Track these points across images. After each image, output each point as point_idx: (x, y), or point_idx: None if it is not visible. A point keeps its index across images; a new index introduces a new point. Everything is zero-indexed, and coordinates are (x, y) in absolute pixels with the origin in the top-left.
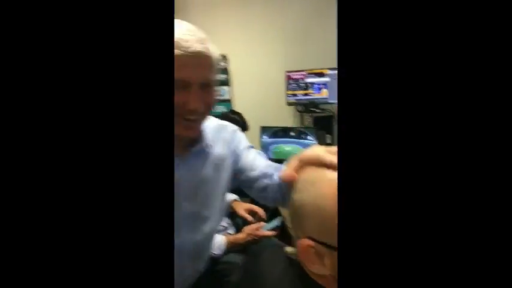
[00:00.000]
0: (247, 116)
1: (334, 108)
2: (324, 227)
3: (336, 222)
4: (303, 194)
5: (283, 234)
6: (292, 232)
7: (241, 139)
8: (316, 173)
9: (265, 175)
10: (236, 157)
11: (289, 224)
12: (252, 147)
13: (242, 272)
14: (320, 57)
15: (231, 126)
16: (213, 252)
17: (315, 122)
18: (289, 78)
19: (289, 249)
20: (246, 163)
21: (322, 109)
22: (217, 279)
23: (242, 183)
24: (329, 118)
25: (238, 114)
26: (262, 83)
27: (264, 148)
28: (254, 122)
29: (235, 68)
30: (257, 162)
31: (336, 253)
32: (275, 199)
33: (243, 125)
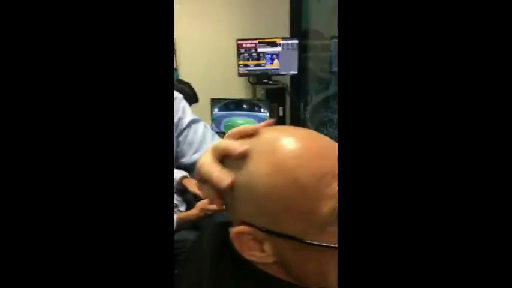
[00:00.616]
0: (196, 87)
1: (287, 80)
2: (259, 210)
3: (274, 203)
4: (234, 174)
5: None
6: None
7: (186, 110)
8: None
9: None
10: (179, 132)
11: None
12: (198, 120)
13: (188, 253)
14: (272, 26)
15: (175, 93)
16: None
17: (267, 94)
18: (240, 46)
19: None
20: (189, 142)
21: (275, 81)
22: None
23: (184, 167)
24: (282, 90)
25: (187, 84)
26: (212, 51)
27: (216, 122)
28: (204, 94)
29: (182, 34)
30: (203, 143)
31: (278, 239)
32: None
33: (193, 96)
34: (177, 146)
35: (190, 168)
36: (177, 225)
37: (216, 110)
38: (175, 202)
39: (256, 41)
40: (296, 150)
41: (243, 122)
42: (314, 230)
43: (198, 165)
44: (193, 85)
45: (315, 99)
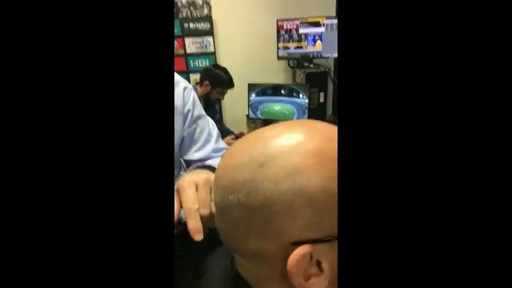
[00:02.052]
0: (232, 72)
1: (330, 63)
2: (317, 218)
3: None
4: (251, 192)
5: None
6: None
7: (196, 103)
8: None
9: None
10: (186, 125)
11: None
12: (205, 116)
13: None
14: (316, 4)
15: (184, 83)
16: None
17: (307, 78)
18: (280, 28)
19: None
20: (194, 140)
21: (317, 64)
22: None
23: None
24: (323, 74)
25: (223, 69)
26: (250, 33)
27: (253, 108)
28: (241, 78)
29: (219, 16)
30: (206, 142)
31: (335, 243)
32: None
33: (228, 82)
34: (181, 139)
35: (190, 164)
36: None
37: (253, 95)
38: None
39: (298, 21)
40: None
41: (280, 108)
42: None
43: (182, 188)
44: (230, 69)
45: None
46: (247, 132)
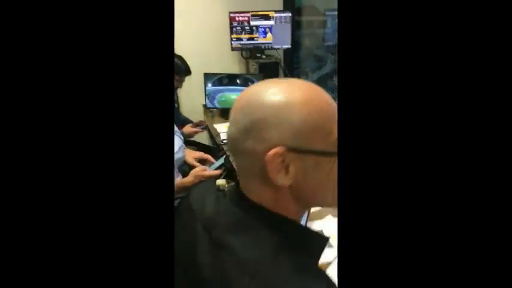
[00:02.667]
0: (188, 63)
1: (280, 54)
2: (294, 133)
3: (308, 125)
4: (256, 110)
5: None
6: (235, 160)
7: None
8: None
9: None
10: None
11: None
12: None
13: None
14: (264, 0)
15: None
16: None
17: (260, 68)
18: (233, 20)
19: (219, 181)
20: None
21: (268, 55)
22: None
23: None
24: (275, 64)
25: (180, 57)
26: (204, 25)
27: (210, 97)
28: (196, 68)
29: (175, 9)
30: None
31: (305, 157)
32: None
33: (186, 70)
34: None
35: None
36: (174, 192)
37: (210, 85)
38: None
39: (249, 14)
40: (318, 90)
41: (236, 96)
42: (332, 148)
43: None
44: (186, 59)
45: (311, 77)
46: (205, 121)
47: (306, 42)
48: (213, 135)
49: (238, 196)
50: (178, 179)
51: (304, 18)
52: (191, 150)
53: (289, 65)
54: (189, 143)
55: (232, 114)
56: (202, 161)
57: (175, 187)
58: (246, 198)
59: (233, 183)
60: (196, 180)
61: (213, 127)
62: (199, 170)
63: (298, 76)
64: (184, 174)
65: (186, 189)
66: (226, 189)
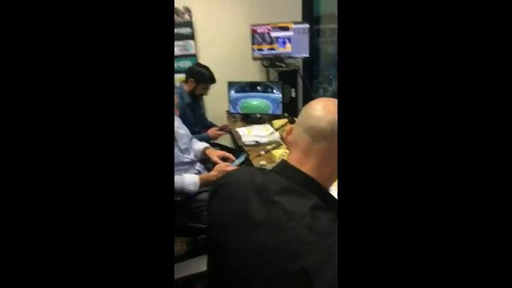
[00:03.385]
0: (213, 71)
1: (299, 63)
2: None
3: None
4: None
5: None
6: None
7: None
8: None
9: None
10: None
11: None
12: None
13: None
14: (284, 11)
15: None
16: (189, 188)
17: (280, 76)
18: (254, 31)
19: (262, 162)
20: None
21: (287, 64)
22: (194, 214)
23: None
24: (294, 72)
25: (205, 67)
26: (227, 36)
27: (232, 103)
28: (220, 77)
29: (200, 22)
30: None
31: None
32: None
33: (211, 78)
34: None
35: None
36: (200, 185)
37: (233, 92)
38: (199, 169)
39: (269, 26)
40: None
41: (256, 103)
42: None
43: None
44: (211, 69)
45: (334, 84)
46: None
47: (330, 49)
48: (235, 138)
49: (284, 170)
50: (204, 174)
51: (325, 26)
52: (215, 149)
53: (308, 73)
54: (213, 144)
55: (302, 122)
56: (225, 160)
57: (202, 180)
58: (295, 170)
59: (273, 165)
60: (219, 175)
61: (235, 130)
62: (223, 166)
63: (319, 84)
64: (209, 171)
65: (211, 182)
66: (268, 168)
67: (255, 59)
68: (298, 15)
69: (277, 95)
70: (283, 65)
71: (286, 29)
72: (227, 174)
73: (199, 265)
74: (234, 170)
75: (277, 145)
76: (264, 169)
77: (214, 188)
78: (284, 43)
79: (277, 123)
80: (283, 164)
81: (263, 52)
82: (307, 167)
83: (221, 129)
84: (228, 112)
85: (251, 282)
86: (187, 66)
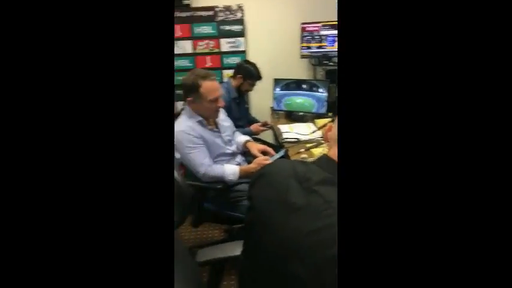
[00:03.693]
0: (262, 69)
1: None
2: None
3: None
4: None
5: None
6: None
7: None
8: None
9: None
10: None
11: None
12: None
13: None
14: (335, 10)
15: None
16: (228, 178)
17: (327, 75)
18: (304, 30)
19: (303, 155)
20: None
21: (335, 62)
22: (232, 203)
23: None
24: None
25: (253, 64)
26: (277, 34)
27: (277, 100)
28: (268, 74)
29: (251, 19)
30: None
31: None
32: None
33: (257, 75)
34: None
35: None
36: (239, 176)
37: (278, 89)
38: (239, 161)
39: (320, 25)
40: None
41: (301, 101)
42: None
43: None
44: (258, 66)
45: None
46: (271, 122)
47: None
48: (277, 135)
49: (325, 163)
50: (244, 166)
51: None
52: (254, 143)
53: None
54: (255, 139)
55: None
56: (264, 154)
57: (242, 171)
58: (336, 164)
59: (314, 159)
60: (258, 167)
61: (277, 127)
62: (262, 159)
63: None
64: (249, 164)
65: (249, 174)
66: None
67: (303, 57)
68: None
69: (322, 93)
70: (331, 64)
71: (336, 27)
72: (269, 164)
73: (232, 249)
74: (276, 161)
75: (317, 144)
76: (305, 161)
77: (256, 175)
78: (333, 41)
79: (320, 122)
80: (324, 158)
81: (311, 50)
82: None
83: (263, 125)
84: (272, 109)
85: (288, 263)
86: (236, 63)
